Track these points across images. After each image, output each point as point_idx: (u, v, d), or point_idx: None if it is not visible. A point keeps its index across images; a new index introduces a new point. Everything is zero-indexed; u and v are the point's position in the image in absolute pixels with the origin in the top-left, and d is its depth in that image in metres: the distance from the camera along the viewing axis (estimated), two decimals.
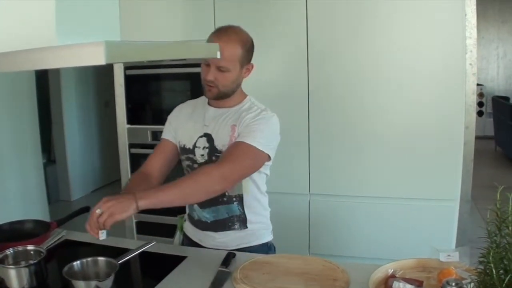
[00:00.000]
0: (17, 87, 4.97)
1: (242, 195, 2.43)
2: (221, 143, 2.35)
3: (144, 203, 1.95)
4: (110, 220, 1.87)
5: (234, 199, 2.42)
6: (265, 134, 2.31)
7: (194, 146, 2.40)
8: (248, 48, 2.34)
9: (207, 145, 2.38)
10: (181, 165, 2.54)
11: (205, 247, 2.47)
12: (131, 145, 4.34)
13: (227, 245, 2.45)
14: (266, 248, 2.56)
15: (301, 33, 3.60)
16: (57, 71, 6.94)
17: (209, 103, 2.46)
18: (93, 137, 7.95)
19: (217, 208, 2.40)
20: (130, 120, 4.28)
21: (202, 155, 2.38)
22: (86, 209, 2.50)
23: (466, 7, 3.25)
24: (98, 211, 1.88)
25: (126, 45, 1.41)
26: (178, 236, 2.70)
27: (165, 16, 3.98)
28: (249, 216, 2.44)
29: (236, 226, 2.44)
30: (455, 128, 3.39)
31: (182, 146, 2.46)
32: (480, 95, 11.04)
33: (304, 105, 3.67)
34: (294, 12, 3.60)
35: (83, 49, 1.23)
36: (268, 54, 3.69)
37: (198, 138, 2.40)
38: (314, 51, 3.60)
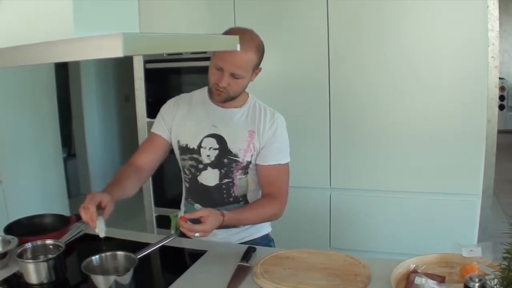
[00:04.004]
0: (36, 81, 5.00)
1: (246, 194, 2.44)
2: (237, 147, 2.35)
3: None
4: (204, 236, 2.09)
5: (240, 198, 2.43)
6: (286, 142, 2.43)
7: (200, 146, 2.37)
8: (262, 53, 2.31)
9: (216, 146, 2.35)
10: (173, 162, 2.56)
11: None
12: None
13: (229, 241, 2.45)
14: (267, 240, 2.57)
15: (321, 28, 3.57)
16: (77, 65, 6.97)
17: (212, 101, 2.41)
18: (113, 131, 7.95)
19: (221, 208, 2.32)
20: (150, 114, 4.27)
21: (208, 155, 2.36)
22: None
23: None
24: (196, 234, 2.07)
25: (144, 37, 1.40)
26: (174, 234, 2.60)
27: (184, 9, 3.97)
28: None
29: None
30: (477, 122, 3.35)
31: (184, 145, 2.42)
32: (502, 88, 10.90)
33: (325, 100, 3.65)
34: (314, 8, 3.57)
35: (101, 41, 1.22)
36: (289, 49, 3.69)
37: (203, 138, 2.37)
38: (335, 46, 3.58)
